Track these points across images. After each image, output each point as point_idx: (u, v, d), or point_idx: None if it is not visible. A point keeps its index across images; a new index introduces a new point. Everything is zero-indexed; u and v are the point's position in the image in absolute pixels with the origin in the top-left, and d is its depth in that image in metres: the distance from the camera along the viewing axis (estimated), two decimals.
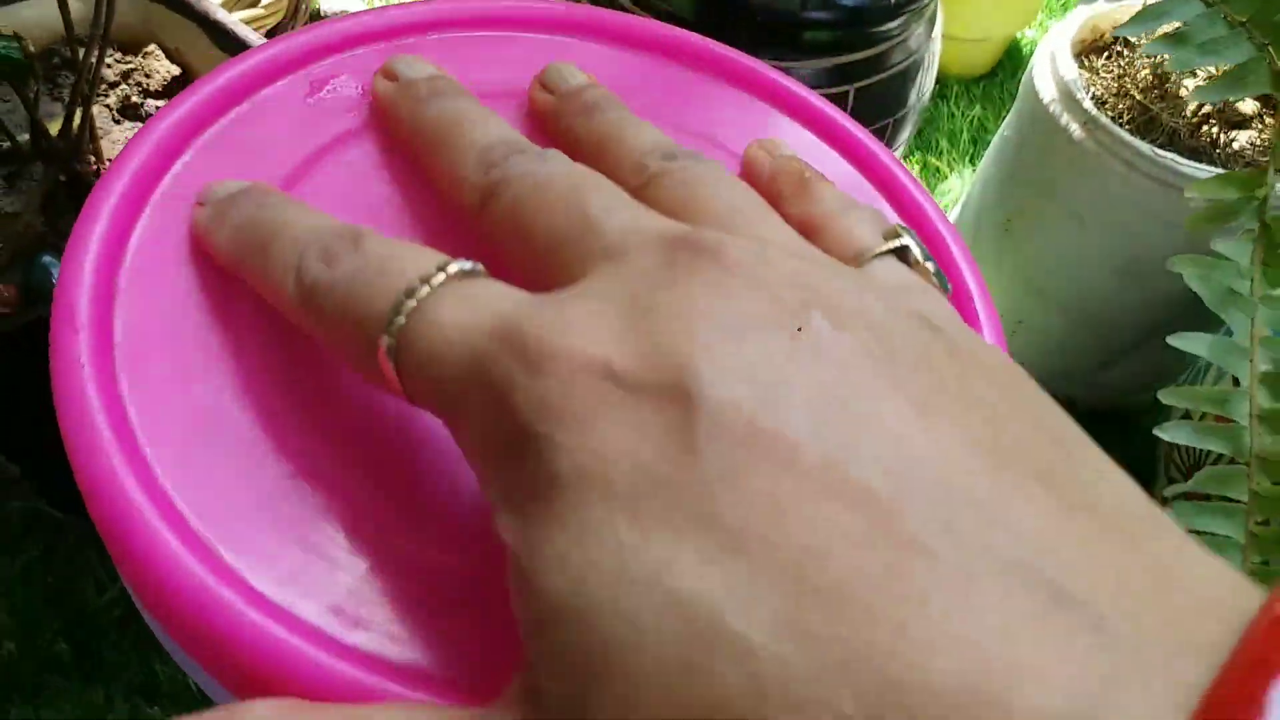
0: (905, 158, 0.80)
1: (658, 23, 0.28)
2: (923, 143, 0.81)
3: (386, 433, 0.19)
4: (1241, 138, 0.58)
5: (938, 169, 0.79)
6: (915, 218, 0.32)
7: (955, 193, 0.78)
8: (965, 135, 0.82)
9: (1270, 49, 0.37)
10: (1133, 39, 0.61)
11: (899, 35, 0.59)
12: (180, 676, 0.50)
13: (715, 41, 0.29)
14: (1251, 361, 0.37)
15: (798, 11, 0.54)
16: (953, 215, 0.70)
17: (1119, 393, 0.66)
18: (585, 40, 0.26)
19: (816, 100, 0.32)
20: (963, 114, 0.83)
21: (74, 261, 0.19)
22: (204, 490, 0.18)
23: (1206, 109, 0.58)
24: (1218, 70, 0.57)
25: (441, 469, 0.19)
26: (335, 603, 0.17)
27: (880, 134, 0.62)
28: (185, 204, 0.20)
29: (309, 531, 0.17)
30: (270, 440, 0.18)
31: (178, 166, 0.20)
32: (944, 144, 0.81)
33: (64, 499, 0.51)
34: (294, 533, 0.17)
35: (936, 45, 0.65)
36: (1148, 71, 0.59)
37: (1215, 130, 0.58)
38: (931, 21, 0.63)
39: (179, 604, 0.17)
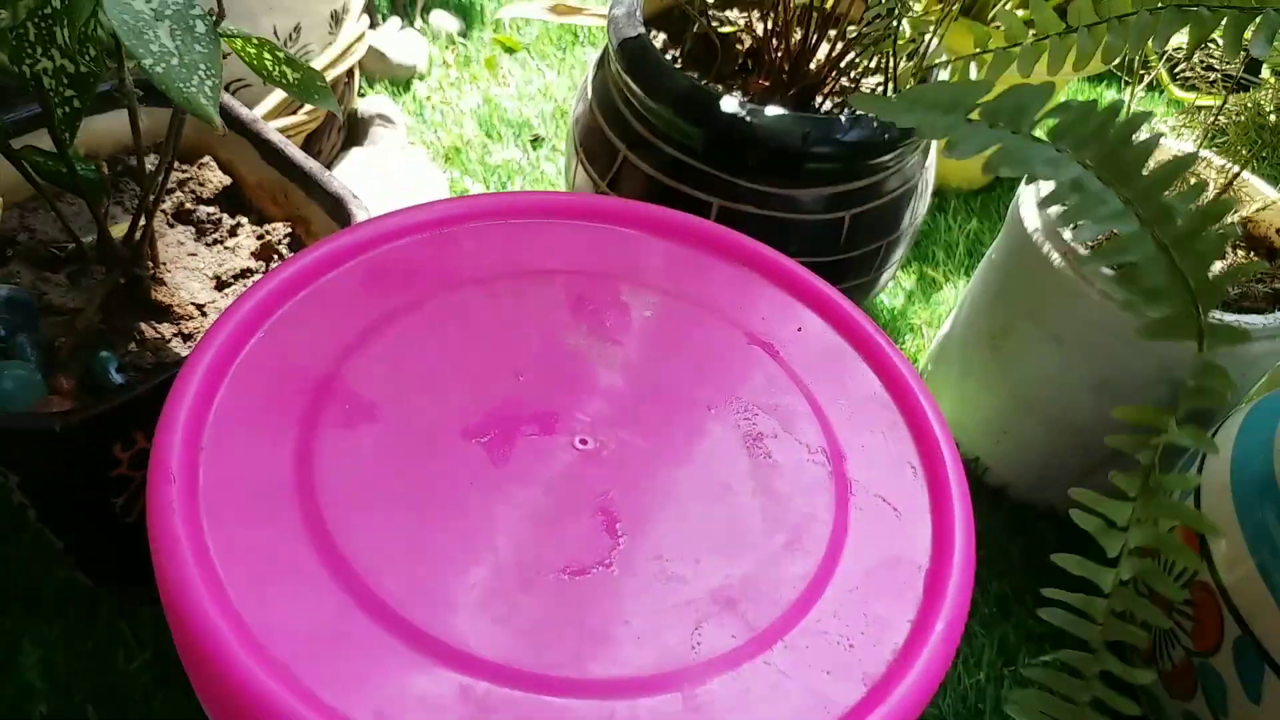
0: (903, 268, 0.85)
1: (652, 206, 0.33)
2: (920, 254, 0.86)
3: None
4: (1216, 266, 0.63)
5: (934, 280, 0.84)
6: (887, 369, 0.37)
7: (950, 303, 0.82)
8: (961, 248, 0.86)
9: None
10: None
11: (894, 165, 0.64)
12: None
13: (711, 223, 0.33)
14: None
15: (799, 145, 0.59)
16: (945, 326, 0.75)
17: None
18: (594, 223, 0.31)
19: (791, 264, 0.36)
20: (959, 227, 0.88)
21: (168, 423, 0.23)
22: (269, 613, 0.21)
23: None
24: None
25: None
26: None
27: (875, 255, 0.66)
28: (258, 375, 0.24)
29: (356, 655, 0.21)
30: (326, 572, 0.22)
31: (253, 342, 0.24)
32: (940, 255, 0.85)
33: (101, 573, 0.55)
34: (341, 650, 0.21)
35: (931, 171, 0.69)
36: None
37: None
38: (926, 151, 0.68)
39: (243, 707, 0.20)
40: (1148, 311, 0.43)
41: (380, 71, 0.96)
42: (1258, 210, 0.67)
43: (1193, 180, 0.66)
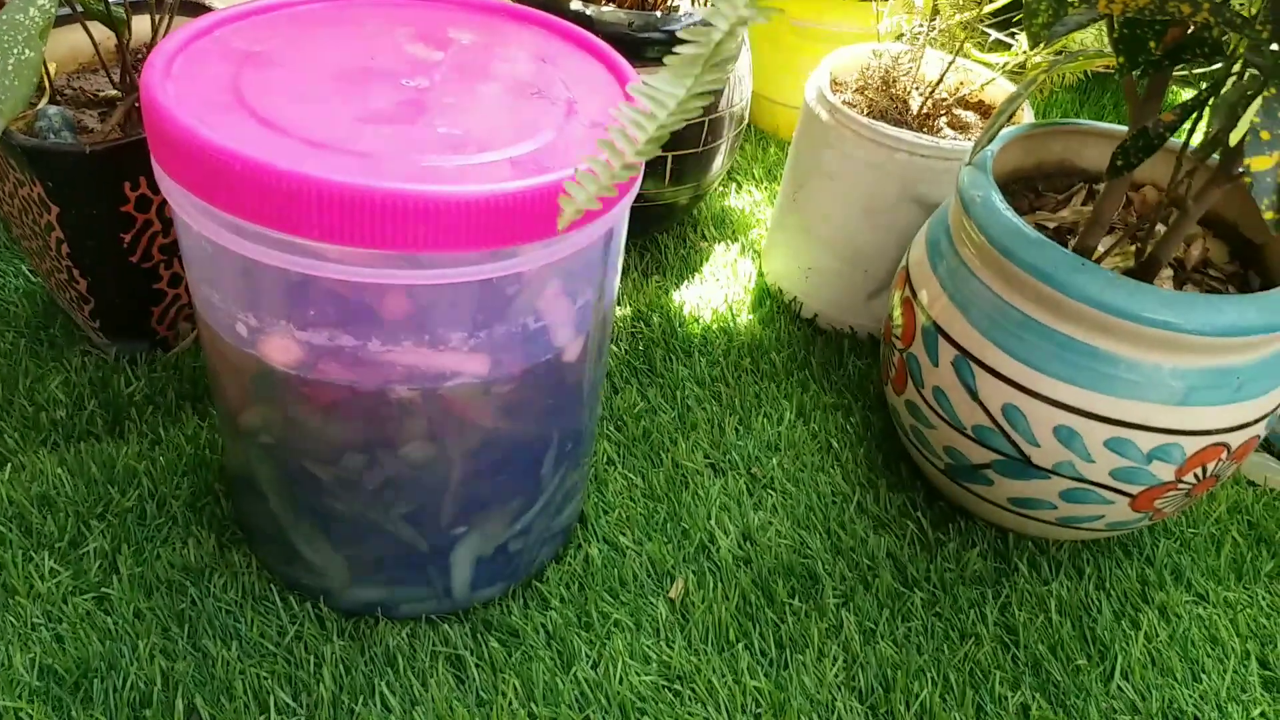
0: (749, 185, 1.06)
1: None
2: (750, 176, 1.09)
3: None
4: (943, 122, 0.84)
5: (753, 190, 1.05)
6: (614, 68, 0.57)
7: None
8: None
9: None
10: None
11: None
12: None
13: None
14: None
15: (629, 31, 0.81)
16: (771, 213, 0.95)
17: (881, 319, 0.88)
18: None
19: (568, 26, 0.58)
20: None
21: (154, 57, 0.45)
22: (213, 119, 0.43)
23: (918, 106, 0.84)
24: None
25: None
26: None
27: (700, 128, 0.87)
28: (206, 54, 0.46)
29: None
30: (249, 115, 0.44)
31: (199, 40, 0.47)
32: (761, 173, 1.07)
33: (110, 322, 0.75)
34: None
35: (746, 67, 0.92)
36: (880, 76, 0.86)
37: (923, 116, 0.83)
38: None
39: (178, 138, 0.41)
40: None
41: None
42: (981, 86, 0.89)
43: None
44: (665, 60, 0.38)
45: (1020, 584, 0.70)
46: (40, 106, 0.73)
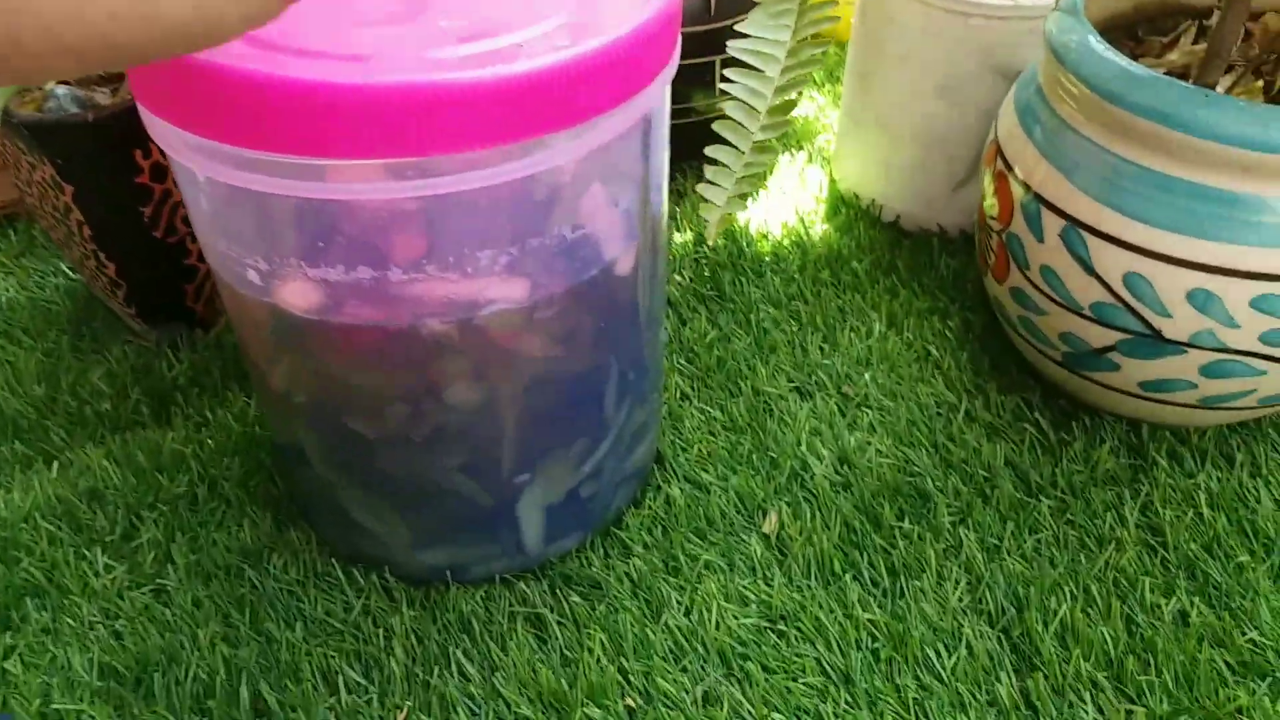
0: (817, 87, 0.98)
1: None
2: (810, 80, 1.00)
3: None
4: None
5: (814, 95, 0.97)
6: None
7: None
8: None
9: None
10: None
11: None
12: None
13: None
14: None
15: None
16: (838, 115, 0.87)
17: (972, 211, 0.80)
18: None
19: None
20: None
21: None
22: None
23: None
24: None
25: None
26: None
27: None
28: None
29: None
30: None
31: None
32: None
33: (146, 305, 0.71)
34: None
35: None
36: None
37: None
38: None
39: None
40: None
41: None
42: None
43: None
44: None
45: (1162, 479, 0.61)
46: (49, 88, 0.69)
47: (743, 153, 0.75)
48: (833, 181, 0.88)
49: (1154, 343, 0.55)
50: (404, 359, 0.47)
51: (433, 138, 0.38)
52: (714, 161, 0.77)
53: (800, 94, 0.75)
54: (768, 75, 0.73)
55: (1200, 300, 0.52)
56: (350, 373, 0.48)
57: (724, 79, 0.75)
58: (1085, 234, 0.54)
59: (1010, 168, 0.60)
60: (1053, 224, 0.56)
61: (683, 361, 0.71)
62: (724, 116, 0.75)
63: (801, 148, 0.94)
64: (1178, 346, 0.54)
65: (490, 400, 0.50)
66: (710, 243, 0.78)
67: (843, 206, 0.85)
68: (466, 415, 0.50)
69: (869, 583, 0.57)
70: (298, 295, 0.45)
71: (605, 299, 0.50)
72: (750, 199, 0.84)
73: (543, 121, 0.40)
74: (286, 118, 0.38)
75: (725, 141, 0.76)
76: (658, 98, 0.46)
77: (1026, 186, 0.58)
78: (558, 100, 0.40)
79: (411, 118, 0.38)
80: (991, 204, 0.62)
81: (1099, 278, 0.55)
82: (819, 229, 0.83)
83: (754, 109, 0.74)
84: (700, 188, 0.78)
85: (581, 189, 0.45)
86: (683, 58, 0.49)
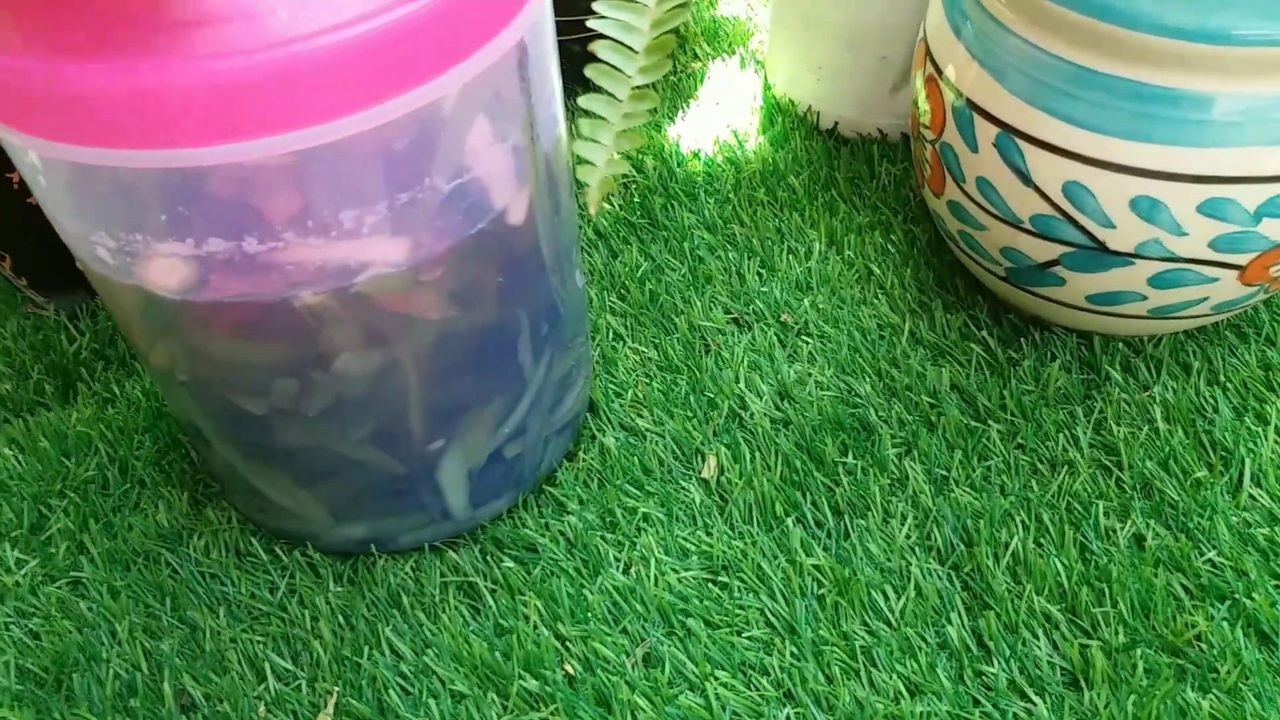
0: None
1: None
2: None
3: None
4: None
5: None
6: None
7: None
8: None
9: None
10: None
11: None
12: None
13: None
14: None
15: None
16: (769, 11, 0.82)
17: (907, 115, 0.75)
18: None
19: None
20: None
21: None
22: None
23: None
24: None
25: None
26: None
27: None
28: None
29: None
30: None
31: None
32: None
33: (37, 275, 0.67)
34: None
35: None
36: None
37: None
38: None
39: None
40: None
41: None
42: None
43: None
44: None
45: (1115, 394, 0.58)
46: None
47: (620, 101, 0.64)
48: (766, 88, 0.83)
49: (1099, 255, 0.52)
50: (281, 333, 0.43)
51: (253, 117, 0.34)
52: (588, 113, 0.65)
53: (683, 26, 0.65)
54: (643, 2, 0.63)
55: (1144, 208, 0.49)
56: (226, 350, 0.44)
57: (592, 13, 0.63)
58: (1020, 141, 0.50)
59: (940, 70, 0.55)
60: (986, 131, 0.52)
61: (614, 299, 0.67)
62: (596, 60, 0.64)
63: (733, 52, 0.88)
64: (1124, 258, 0.51)
65: (387, 368, 0.46)
66: (593, 212, 0.68)
67: (779, 115, 0.80)
68: (363, 385, 0.46)
69: (813, 525, 0.54)
70: (158, 272, 0.41)
71: (501, 252, 0.46)
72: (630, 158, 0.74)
73: (383, 82, 0.36)
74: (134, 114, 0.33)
75: (599, 89, 0.65)
76: (533, 24, 0.42)
77: (958, 91, 0.53)
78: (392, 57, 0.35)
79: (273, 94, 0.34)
80: (924, 110, 0.58)
81: (1037, 188, 0.51)
82: (754, 143, 0.79)
83: (630, 49, 0.63)
84: (576, 146, 0.65)
85: (446, 132, 0.40)
86: None
